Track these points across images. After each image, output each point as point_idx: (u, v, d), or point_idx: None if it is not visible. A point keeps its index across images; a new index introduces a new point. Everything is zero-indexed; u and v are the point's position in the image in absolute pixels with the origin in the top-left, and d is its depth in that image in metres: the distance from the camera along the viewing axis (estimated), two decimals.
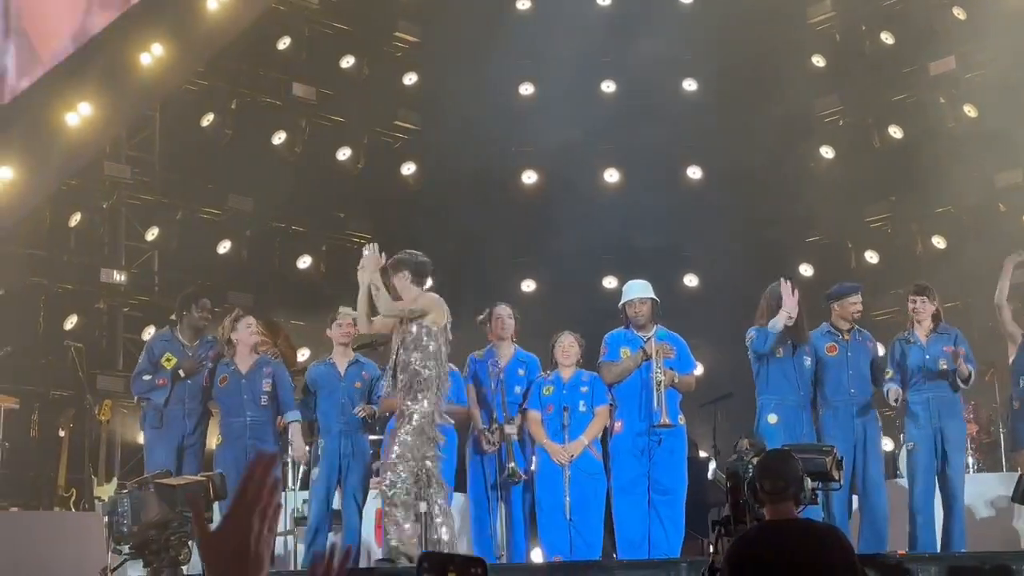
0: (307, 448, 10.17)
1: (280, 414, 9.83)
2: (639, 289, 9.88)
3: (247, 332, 9.91)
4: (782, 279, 9.67)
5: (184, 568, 6.04)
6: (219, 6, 15.04)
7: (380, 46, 16.89)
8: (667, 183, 16.21)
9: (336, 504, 10.00)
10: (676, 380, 9.61)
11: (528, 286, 16.23)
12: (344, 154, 16.46)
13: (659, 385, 9.41)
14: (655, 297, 9.89)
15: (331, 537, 10.01)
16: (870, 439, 9.62)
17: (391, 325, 8.97)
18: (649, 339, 9.68)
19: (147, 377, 9.87)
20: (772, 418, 9.53)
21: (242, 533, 1.94)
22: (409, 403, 8.55)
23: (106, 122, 14.54)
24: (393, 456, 8.42)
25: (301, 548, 10.19)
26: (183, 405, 9.82)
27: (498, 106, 16.25)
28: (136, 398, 10.16)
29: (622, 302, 9.89)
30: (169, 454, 9.64)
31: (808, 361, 9.72)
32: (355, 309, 9.51)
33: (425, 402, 8.51)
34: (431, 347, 8.61)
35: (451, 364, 9.88)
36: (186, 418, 9.82)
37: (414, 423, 8.50)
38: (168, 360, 9.92)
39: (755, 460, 7.04)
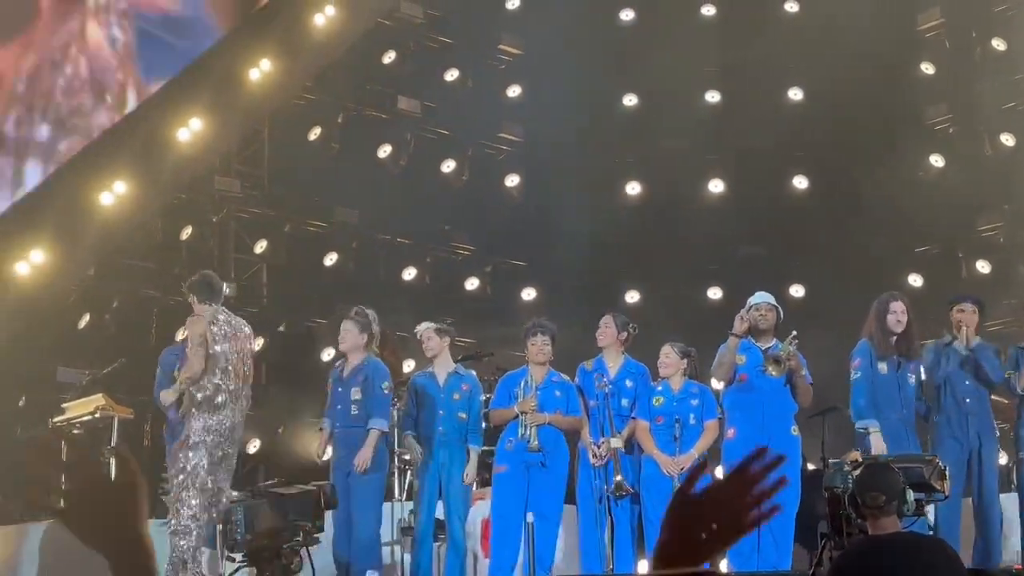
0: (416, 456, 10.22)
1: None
2: (767, 296, 9.84)
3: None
4: (892, 296, 9.58)
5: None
6: (326, 21, 15.26)
7: (484, 59, 16.98)
8: (772, 193, 16.08)
9: (441, 514, 10.05)
10: (790, 355, 9.45)
11: (632, 297, 16.18)
12: (448, 166, 16.57)
13: (783, 361, 9.25)
14: (779, 307, 9.83)
15: (435, 548, 10.08)
16: (985, 449, 9.45)
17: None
18: (767, 350, 9.58)
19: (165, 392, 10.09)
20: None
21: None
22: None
23: (216, 137, 14.84)
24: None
25: (408, 558, 10.26)
26: None
27: (602, 117, 16.25)
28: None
29: (747, 307, 9.80)
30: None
31: (912, 379, 9.57)
32: (433, 322, 9.77)
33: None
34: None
35: (563, 375, 9.92)
36: None
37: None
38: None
39: (855, 474, 6.97)
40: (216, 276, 9.92)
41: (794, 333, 9.55)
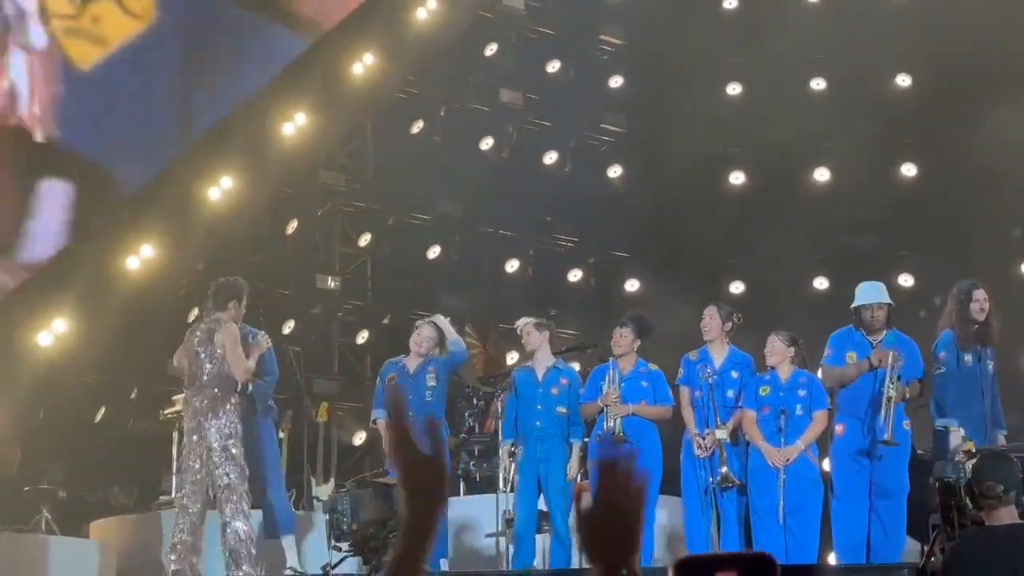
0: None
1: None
2: (876, 293, 9.64)
3: (413, 341, 10.20)
4: (974, 284, 9.38)
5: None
6: (428, 15, 15.32)
7: (586, 49, 16.94)
8: (880, 181, 15.83)
9: (543, 506, 10.05)
10: (907, 396, 9.36)
11: (736, 287, 16.04)
12: (551, 158, 16.56)
13: (889, 401, 9.12)
14: (891, 302, 9.65)
15: (538, 540, 10.08)
16: None
17: None
18: (878, 345, 9.43)
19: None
20: (952, 424, 9.21)
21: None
22: None
23: (320, 131, 14.98)
24: None
25: (512, 549, 10.27)
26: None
27: (705, 106, 16.11)
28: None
29: (855, 304, 9.65)
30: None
31: (991, 366, 9.37)
32: (533, 317, 9.80)
33: None
34: None
35: (652, 365, 9.89)
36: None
37: None
38: None
39: (970, 464, 6.85)
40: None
41: (890, 354, 9.32)
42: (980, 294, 9.43)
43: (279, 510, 9.92)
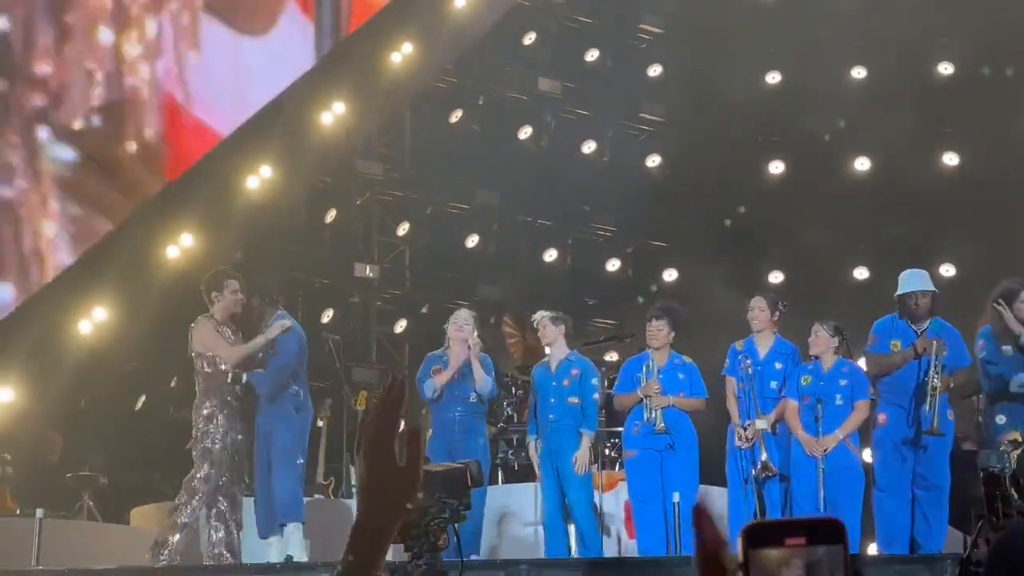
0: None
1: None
2: (920, 281, 9.60)
3: (453, 327, 10.06)
4: (1020, 284, 9.28)
5: (443, 554, 6.17)
6: (466, 4, 15.30)
7: (624, 38, 16.89)
8: (921, 170, 15.73)
9: None
10: (951, 385, 9.30)
11: (776, 277, 15.98)
12: (589, 147, 16.53)
13: (935, 391, 9.07)
14: (935, 289, 9.60)
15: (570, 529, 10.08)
16: None
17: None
18: (922, 334, 9.38)
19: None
20: (1001, 419, 9.14)
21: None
22: None
23: (359, 120, 15.00)
24: None
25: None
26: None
27: (744, 96, 16.04)
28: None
29: (900, 292, 9.59)
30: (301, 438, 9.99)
31: None
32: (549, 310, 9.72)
33: None
34: None
35: (686, 357, 9.87)
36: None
37: None
38: None
39: (1015, 454, 6.79)
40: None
41: (934, 343, 9.26)
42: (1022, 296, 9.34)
43: (280, 496, 9.80)
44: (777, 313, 9.94)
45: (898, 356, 9.33)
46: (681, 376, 9.82)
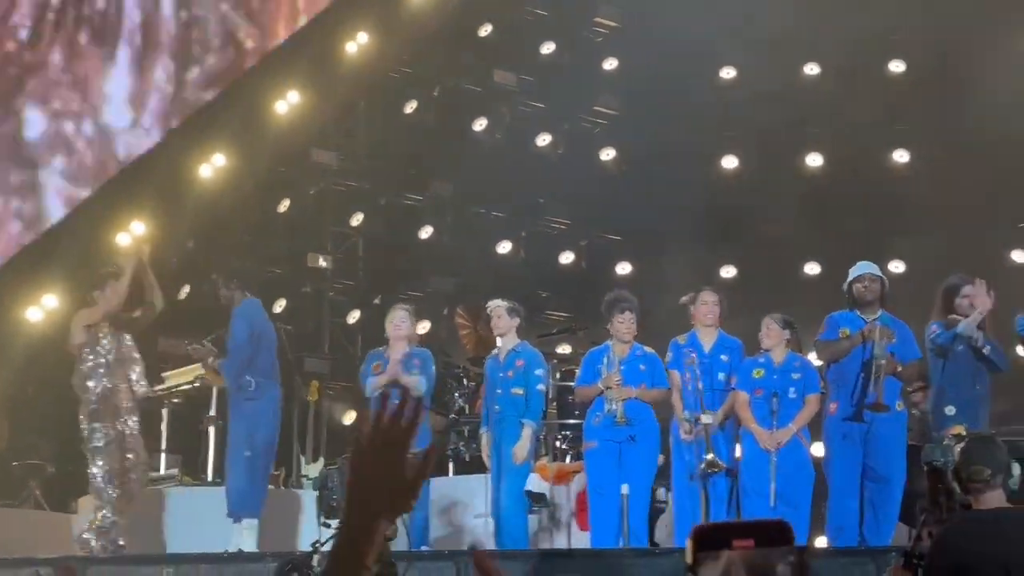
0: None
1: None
2: (869, 266, 9.71)
3: (390, 326, 10.08)
4: (976, 281, 9.38)
5: (391, 544, 6.18)
6: None
7: (580, 31, 16.90)
8: (871, 167, 15.84)
9: (532, 486, 10.05)
10: (898, 369, 9.38)
11: (728, 272, 16.06)
12: (544, 140, 16.53)
13: (879, 369, 9.15)
14: (884, 277, 9.72)
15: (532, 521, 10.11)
16: None
17: None
18: (872, 321, 9.48)
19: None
20: (950, 410, 9.23)
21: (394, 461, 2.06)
22: None
23: (313, 110, 14.95)
24: None
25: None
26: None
27: (699, 91, 16.10)
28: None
29: (850, 279, 9.68)
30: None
31: (988, 349, 9.37)
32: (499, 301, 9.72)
33: None
34: None
35: (647, 348, 9.88)
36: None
37: None
38: None
39: (959, 447, 6.86)
40: None
41: (879, 328, 9.37)
42: (969, 289, 9.43)
43: (229, 489, 9.91)
44: (718, 308, 10.00)
45: (846, 341, 9.42)
46: (642, 367, 9.82)
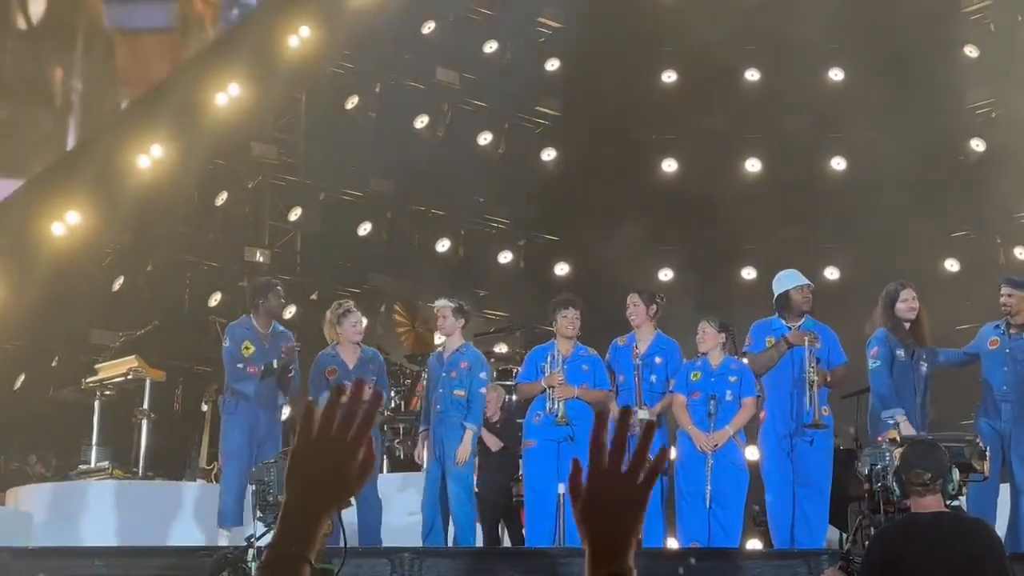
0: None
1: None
2: (797, 276, 9.80)
3: (352, 329, 10.00)
4: (901, 284, 9.49)
5: (326, 538, 6.12)
6: None
7: (523, 31, 16.90)
8: (810, 174, 15.99)
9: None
10: (829, 380, 9.47)
11: (666, 275, 16.14)
12: (485, 139, 16.52)
13: (812, 385, 9.25)
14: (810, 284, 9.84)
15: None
16: (1016, 438, 9.30)
17: None
18: (795, 327, 9.56)
19: (240, 365, 10.02)
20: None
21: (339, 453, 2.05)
22: None
23: (254, 103, 14.83)
24: None
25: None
26: (258, 395, 10.03)
27: (640, 93, 16.16)
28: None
29: (783, 290, 9.74)
30: (244, 441, 9.91)
31: (925, 367, 9.47)
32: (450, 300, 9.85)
33: None
34: None
35: (591, 349, 9.89)
36: (261, 408, 10.03)
37: None
38: (247, 348, 10.08)
39: (896, 452, 6.93)
40: None
41: (804, 333, 9.47)
42: (908, 294, 9.51)
43: (220, 502, 9.87)
44: (654, 307, 10.02)
45: (773, 350, 9.51)
46: (585, 368, 9.83)
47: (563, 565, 8.63)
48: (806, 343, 9.36)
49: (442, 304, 10.24)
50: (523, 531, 10.34)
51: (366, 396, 2.10)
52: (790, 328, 9.61)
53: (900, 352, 9.34)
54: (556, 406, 9.62)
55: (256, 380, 9.95)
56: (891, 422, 9.03)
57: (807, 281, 9.78)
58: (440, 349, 10.33)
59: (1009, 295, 9.43)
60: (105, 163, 13.78)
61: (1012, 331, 9.43)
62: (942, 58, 15.19)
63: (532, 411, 9.86)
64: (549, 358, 9.82)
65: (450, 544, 9.77)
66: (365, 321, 10.28)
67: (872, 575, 5.23)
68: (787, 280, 9.81)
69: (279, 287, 10.45)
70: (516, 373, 11.37)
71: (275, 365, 9.97)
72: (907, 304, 9.44)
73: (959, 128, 15.57)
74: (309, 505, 2.07)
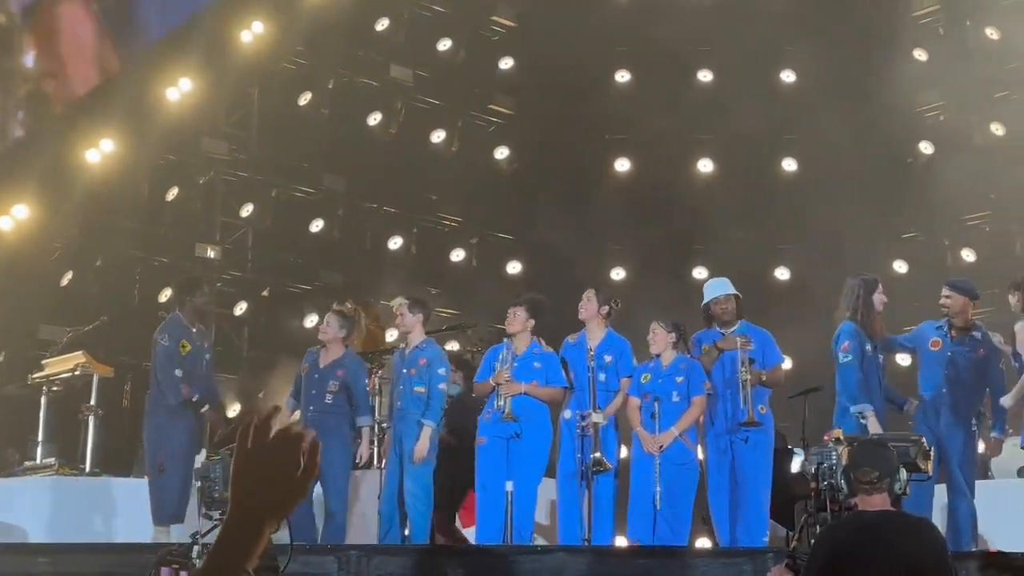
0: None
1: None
2: (721, 287, 9.92)
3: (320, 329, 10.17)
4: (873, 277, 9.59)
5: (272, 536, 6.09)
6: None
7: (477, 29, 16.91)
8: (761, 175, 16.08)
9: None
10: (763, 379, 9.55)
11: (618, 274, 16.18)
12: (438, 137, 16.50)
13: (744, 384, 9.36)
14: (738, 293, 9.87)
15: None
16: (953, 440, 9.37)
17: None
18: (728, 334, 9.66)
19: (178, 372, 10.10)
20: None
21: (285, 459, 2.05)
22: None
23: (206, 98, 14.75)
24: None
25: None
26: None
27: (593, 93, 16.19)
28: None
29: (705, 301, 9.88)
30: (188, 441, 10.09)
31: (881, 359, 9.57)
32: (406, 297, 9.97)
33: None
34: None
35: (546, 347, 9.91)
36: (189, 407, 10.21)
37: None
38: (184, 346, 10.19)
39: (843, 451, 6.99)
40: None
41: (734, 338, 9.60)
42: (881, 287, 9.64)
43: (161, 500, 9.88)
44: (607, 307, 10.04)
45: (705, 357, 9.65)
46: (537, 365, 9.83)
47: (512, 563, 8.63)
48: (739, 346, 9.45)
49: (398, 301, 10.28)
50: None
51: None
52: (723, 335, 9.71)
53: (868, 347, 9.41)
54: (503, 403, 9.64)
55: (181, 396, 9.99)
56: (862, 420, 9.10)
57: (727, 292, 9.88)
58: (403, 345, 10.32)
59: (948, 297, 9.54)
60: (54, 157, 13.66)
61: (954, 334, 9.53)
62: (892, 61, 15.31)
63: (485, 409, 9.89)
64: (501, 356, 9.85)
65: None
66: (336, 324, 10.29)
67: (817, 573, 5.26)
68: (709, 292, 10.01)
69: (207, 287, 10.51)
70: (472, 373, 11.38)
71: (202, 409, 10.28)
72: (882, 297, 9.55)
73: (908, 131, 15.71)
74: (252, 515, 2.06)
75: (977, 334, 9.56)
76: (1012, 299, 9.55)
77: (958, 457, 9.30)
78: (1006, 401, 9.21)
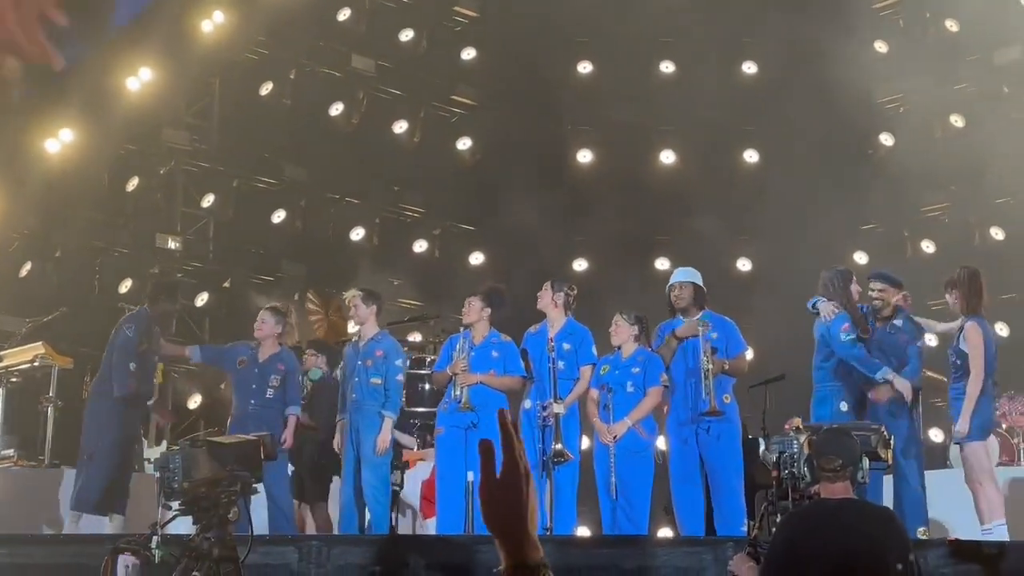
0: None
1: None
2: (683, 274, 9.96)
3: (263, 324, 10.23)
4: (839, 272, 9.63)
5: (232, 527, 6.07)
6: None
7: (439, 20, 16.87)
8: (723, 166, 16.13)
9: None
10: (726, 367, 9.57)
11: (580, 265, 16.20)
12: (400, 127, 16.47)
13: (707, 373, 9.38)
14: (697, 283, 9.88)
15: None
16: (896, 428, 9.41)
17: None
18: (688, 321, 9.69)
19: (132, 366, 10.12)
20: (844, 406, 9.43)
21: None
22: None
23: (166, 88, 14.65)
24: None
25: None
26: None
27: (556, 84, 16.20)
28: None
29: (667, 288, 9.93)
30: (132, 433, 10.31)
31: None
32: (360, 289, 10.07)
33: None
34: None
35: (504, 336, 9.90)
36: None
37: None
38: (143, 343, 10.35)
39: (804, 440, 7.03)
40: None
41: (692, 323, 9.64)
42: (854, 278, 9.70)
43: (91, 488, 9.85)
44: (562, 295, 10.06)
45: (664, 347, 9.67)
46: (495, 354, 9.81)
47: (474, 552, 8.62)
48: (700, 333, 9.47)
49: (351, 293, 10.27)
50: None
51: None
52: (682, 321, 9.77)
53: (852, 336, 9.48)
54: (460, 393, 9.63)
55: (128, 390, 10.07)
56: (887, 379, 9.14)
57: (680, 279, 9.92)
58: (356, 338, 10.30)
59: (882, 290, 9.61)
60: (12, 146, 13.54)
61: (879, 324, 9.61)
62: (852, 53, 15.37)
63: (443, 400, 9.89)
64: (458, 346, 9.84)
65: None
66: (272, 320, 10.25)
67: (778, 560, 5.28)
68: (672, 278, 10.00)
69: (180, 296, 10.58)
70: (429, 362, 11.38)
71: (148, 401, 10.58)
72: (856, 287, 9.60)
73: (868, 122, 15.80)
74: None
75: (898, 321, 9.65)
76: (949, 298, 9.56)
77: (901, 443, 9.34)
78: (961, 427, 9.19)
